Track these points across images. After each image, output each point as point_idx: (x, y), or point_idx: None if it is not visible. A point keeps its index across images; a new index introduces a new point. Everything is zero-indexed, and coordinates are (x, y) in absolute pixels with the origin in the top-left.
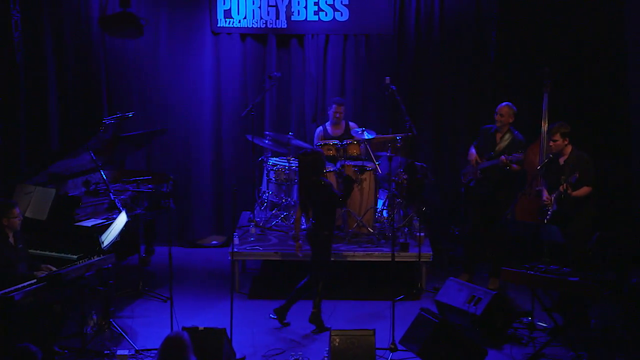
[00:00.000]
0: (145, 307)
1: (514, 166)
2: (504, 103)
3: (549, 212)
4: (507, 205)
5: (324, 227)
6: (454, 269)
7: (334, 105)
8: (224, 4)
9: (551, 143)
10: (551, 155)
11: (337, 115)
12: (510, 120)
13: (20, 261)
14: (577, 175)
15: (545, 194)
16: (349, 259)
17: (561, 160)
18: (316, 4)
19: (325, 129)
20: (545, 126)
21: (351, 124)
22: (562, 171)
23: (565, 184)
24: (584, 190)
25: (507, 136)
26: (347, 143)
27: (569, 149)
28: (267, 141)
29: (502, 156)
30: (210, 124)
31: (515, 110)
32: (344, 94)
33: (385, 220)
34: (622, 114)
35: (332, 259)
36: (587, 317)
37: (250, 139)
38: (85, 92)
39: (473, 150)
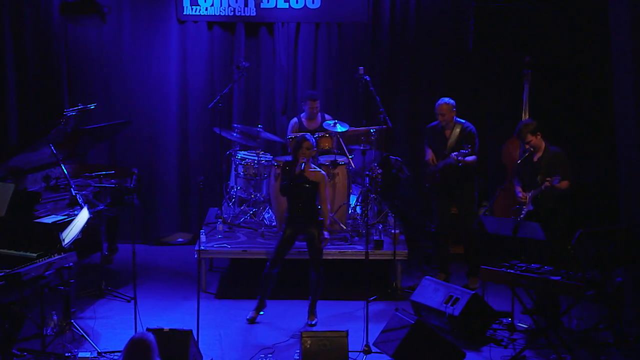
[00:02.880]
0: (108, 307)
1: (468, 159)
2: (440, 100)
3: (523, 211)
4: (473, 198)
5: None
6: (431, 267)
7: (309, 101)
8: None
9: (527, 145)
10: (532, 149)
11: (315, 111)
12: (453, 115)
13: None
14: (560, 176)
15: (520, 192)
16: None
17: (535, 157)
18: None
19: (300, 121)
20: (526, 118)
21: (327, 116)
22: (537, 169)
23: (548, 182)
24: (564, 184)
25: (455, 130)
26: (318, 136)
27: (542, 144)
28: (235, 134)
29: (452, 154)
30: (176, 116)
31: (454, 104)
32: (315, 84)
33: (358, 217)
34: (607, 106)
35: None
36: (565, 316)
37: (217, 131)
38: (46, 82)
39: (428, 151)
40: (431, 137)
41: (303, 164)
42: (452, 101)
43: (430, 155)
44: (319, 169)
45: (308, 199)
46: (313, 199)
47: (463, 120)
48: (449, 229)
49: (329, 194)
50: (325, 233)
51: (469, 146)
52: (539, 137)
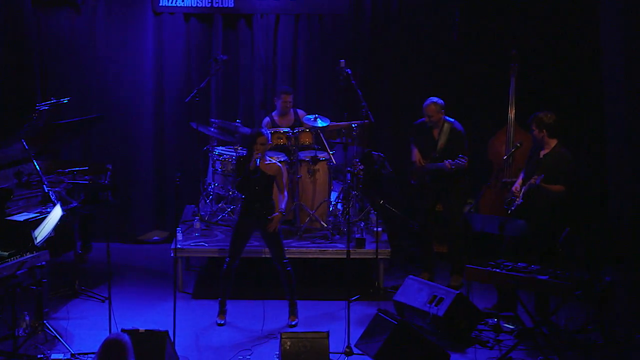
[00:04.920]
0: (81, 307)
1: (461, 164)
2: (428, 100)
3: (514, 204)
4: (461, 197)
5: None
6: (414, 266)
7: (282, 95)
8: None
9: (530, 133)
10: (518, 144)
11: (288, 106)
12: (441, 116)
13: None
14: (543, 177)
15: (517, 185)
16: (301, 256)
17: (542, 153)
18: None
19: (272, 119)
20: (512, 113)
21: (300, 111)
22: (538, 165)
23: (534, 178)
24: (557, 187)
25: (444, 130)
26: (298, 131)
27: (552, 142)
28: (212, 129)
29: (447, 162)
30: (152, 110)
31: (443, 104)
32: (295, 78)
33: (339, 214)
34: (596, 101)
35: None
36: (553, 317)
37: (194, 126)
38: (17, 76)
39: (415, 150)
40: (418, 136)
41: (258, 160)
42: (440, 101)
43: (416, 155)
44: (274, 161)
45: (264, 193)
46: (269, 193)
47: (452, 120)
48: (434, 227)
49: (310, 191)
50: (281, 208)
51: (463, 157)
52: (542, 133)
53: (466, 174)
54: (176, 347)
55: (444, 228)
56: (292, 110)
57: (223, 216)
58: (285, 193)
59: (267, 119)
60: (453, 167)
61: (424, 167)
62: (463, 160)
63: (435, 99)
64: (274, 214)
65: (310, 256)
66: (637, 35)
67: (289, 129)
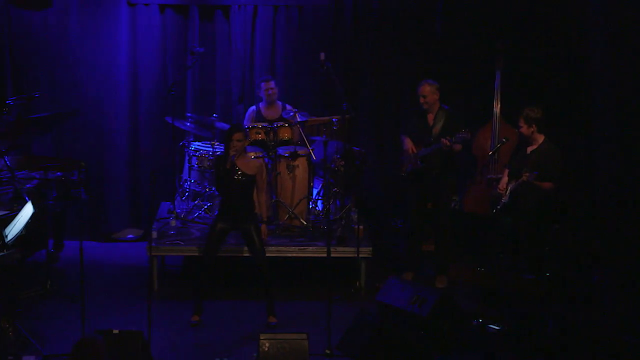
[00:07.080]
0: (53, 308)
1: (457, 146)
2: (423, 82)
3: (499, 203)
4: (450, 192)
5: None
6: (397, 265)
7: (262, 84)
8: None
9: (518, 130)
10: (504, 140)
11: (270, 92)
12: (437, 97)
13: None
14: (537, 173)
15: (502, 183)
16: (279, 255)
17: (529, 149)
18: None
19: (258, 110)
20: (497, 107)
21: (288, 106)
22: (525, 161)
23: (526, 175)
24: (546, 185)
25: (439, 115)
26: (278, 126)
27: (540, 138)
28: (189, 124)
29: (443, 140)
30: (126, 105)
31: (438, 85)
32: (274, 71)
33: (320, 212)
34: (583, 95)
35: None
36: (539, 318)
37: (170, 121)
38: None
39: (406, 139)
40: (411, 123)
41: (234, 156)
42: (434, 82)
43: (409, 143)
44: (254, 158)
45: (243, 193)
46: (249, 192)
47: (448, 106)
48: (424, 225)
49: (289, 188)
50: (267, 218)
51: (467, 132)
52: (532, 128)
53: (460, 162)
54: (151, 348)
55: (431, 225)
56: (280, 103)
57: (199, 214)
58: (265, 194)
59: (253, 107)
60: (453, 143)
61: (417, 154)
62: (465, 133)
63: (429, 80)
64: (261, 225)
65: (289, 255)
66: (624, 28)
67: (267, 124)
